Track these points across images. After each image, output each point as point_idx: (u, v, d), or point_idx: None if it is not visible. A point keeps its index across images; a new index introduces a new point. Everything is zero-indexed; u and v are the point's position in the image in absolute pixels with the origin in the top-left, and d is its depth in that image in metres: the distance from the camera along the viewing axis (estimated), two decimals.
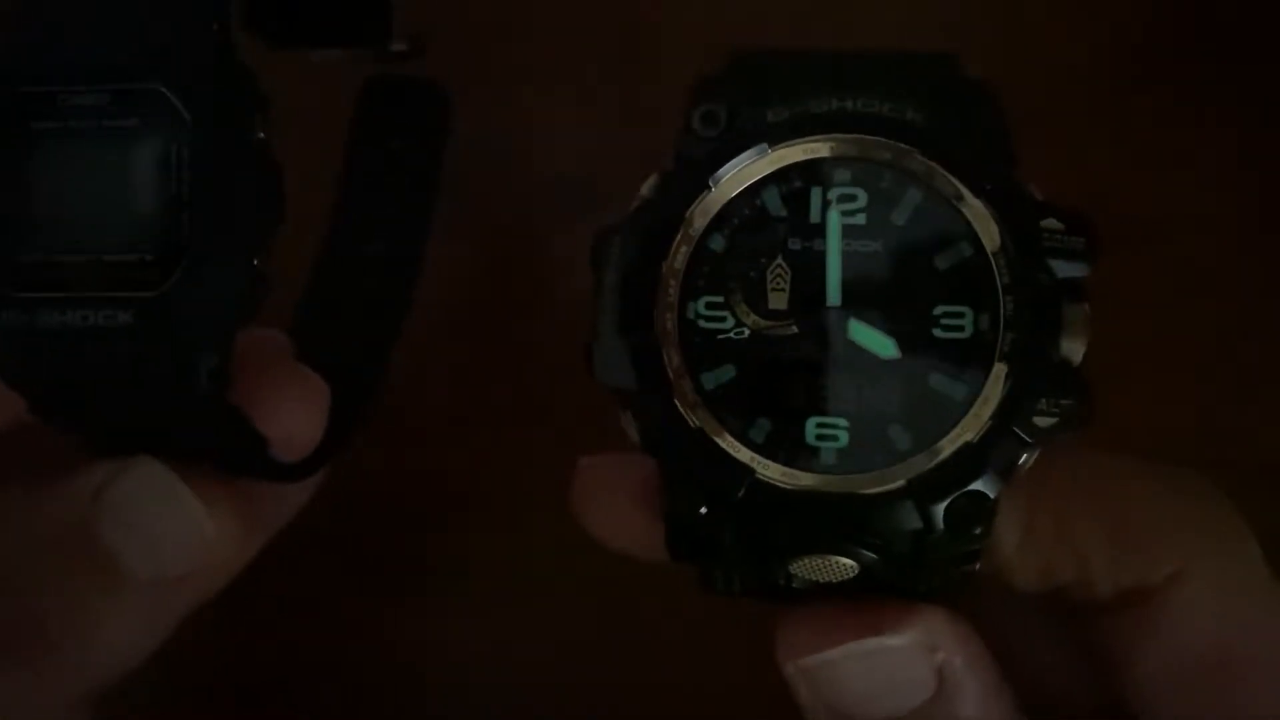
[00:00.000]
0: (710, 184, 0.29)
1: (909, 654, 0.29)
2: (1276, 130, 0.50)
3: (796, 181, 0.29)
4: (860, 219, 0.29)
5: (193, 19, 0.30)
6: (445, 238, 0.52)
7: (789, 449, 0.29)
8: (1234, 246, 0.50)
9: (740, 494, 0.28)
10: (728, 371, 0.29)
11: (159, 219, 0.30)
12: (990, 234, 0.28)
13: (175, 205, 0.29)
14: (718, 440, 0.29)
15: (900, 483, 0.28)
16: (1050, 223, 0.28)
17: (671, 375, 0.29)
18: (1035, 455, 0.28)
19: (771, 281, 0.29)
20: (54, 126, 0.30)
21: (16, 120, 0.30)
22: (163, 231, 0.30)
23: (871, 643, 0.29)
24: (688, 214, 0.29)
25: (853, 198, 0.29)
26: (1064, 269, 0.28)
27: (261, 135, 0.30)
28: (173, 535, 0.31)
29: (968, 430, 0.28)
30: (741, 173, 0.29)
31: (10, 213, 0.30)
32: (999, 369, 0.28)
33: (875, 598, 0.29)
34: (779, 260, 0.29)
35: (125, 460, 0.31)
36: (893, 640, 0.29)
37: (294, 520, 0.50)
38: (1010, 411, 0.28)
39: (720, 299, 0.29)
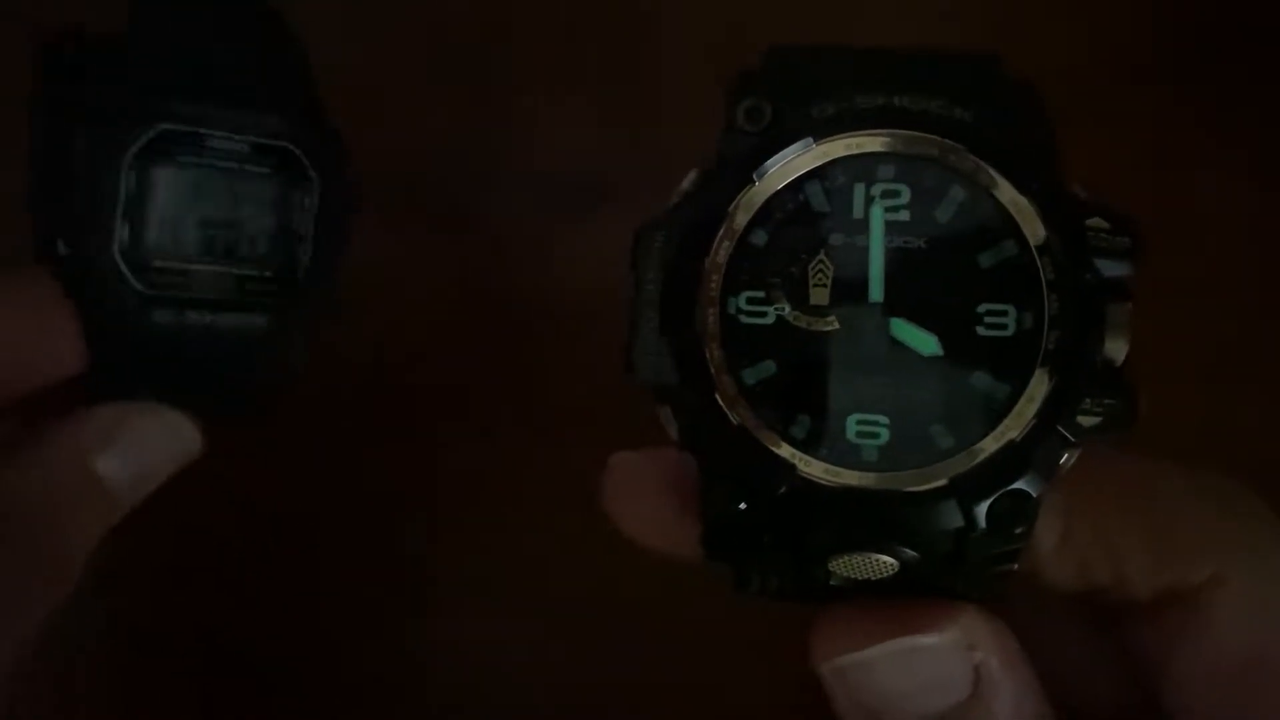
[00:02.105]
0: (755, 178, 0.29)
1: (947, 654, 0.29)
2: (1277, 130, 0.51)
3: (840, 177, 0.29)
4: (904, 215, 0.29)
5: (314, 97, 0.40)
6: (447, 238, 0.52)
7: (830, 446, 0.28)
8: (1235, 246, 0.51)
9: (782, 491, 0.28)
10: (769, 367, 0.29)
11: (281, 246, 0.39)
12: (1035, 231, 0.28)
13: (293, 237, 0.39)
14: (759, 437, 0.28)
15: (943, 481, 0.28)
16: (1096, 222, 0.28)
17: (713, 371, 0.29)
18: (1077, 455, 0.28)
19: (814, 277, 0.29)
20: (199, 162, 0.37)
21: (164, 149, 0.37)
22: (283, 256, 0.39)
23: (909, 642, 0.29)
24: (731, 208, 0.29)
25: (896, 194, 0.29)
26: (1109, 268, 0.28)
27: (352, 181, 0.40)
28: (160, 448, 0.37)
29: (1011, 429, 0.28)
30: (786, 167, 0.29)
31: (154, 223, 0.37)
32: (1043, 368, 0.28)
33: (913, 597, 0.29)
34: (821, 255, 0.29)
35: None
36: (931, 640, 0.29)
37: (298, 520, 0.50)
38: (1054, 411, 0.28)
39: (762, 294, 0.29)
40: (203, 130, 0.37)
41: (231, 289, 0.38)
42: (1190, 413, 0.49)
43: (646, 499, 0.30)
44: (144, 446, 0.36)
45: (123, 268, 0.36)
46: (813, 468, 0.28)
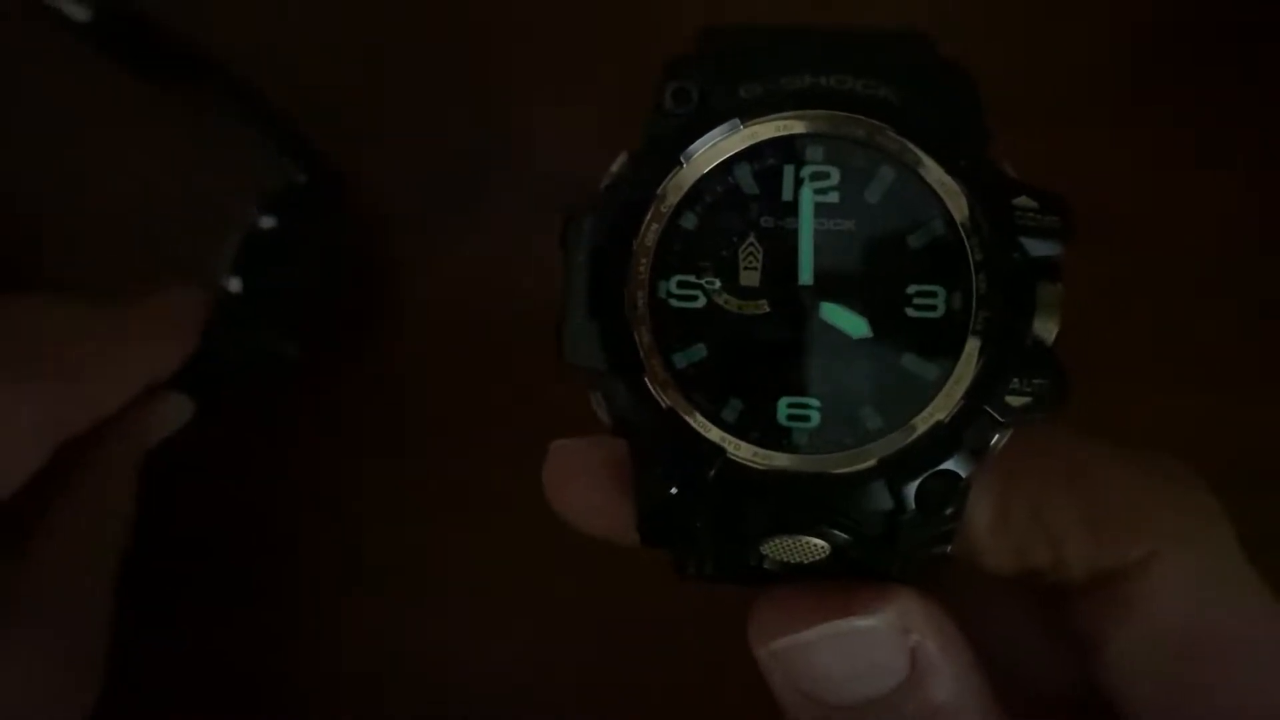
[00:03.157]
0: (682, 160, 0.29)
1: (882, 636, 0.29)
2: (1277, 130, 0.50)
3: (769, 159, 0.29)
4: (833, 197, 0.29)
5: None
6: (450, 238, 0.52)
7: (761, 429, 0.28)
8: (1235, 246, 0.50)
9: (712, 474, 0.28)
10: (699, 351, 0.29)
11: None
12: (962, 211, 0.28)
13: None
14: (689, 420, 0.28)
15: (872, 462, 0.28)
16: (1023, 201, 0.28)
17: (642, 354, 0.28)
18: (1008, 435, 0.28)
19: (744, 260, 0.29)
20: None
21: None
22: None
23: (844, 624, 0.28)
24: (659, 191, 0.29)
25: (826, 175, 0.29)
26: (1037, 247, 0.28)
27: None
28: None
29: (940, 410, 0.28)
30: (714, 149, 0.29)
31: None
32: (971, 348, 0.28)
33: (848, 579, 0.29)
34: (751, 238, 0.29)
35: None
36: (865, 622, 0.28)
37: (292, 519, 0.50)
38: (983, 391, 0.28)
39: (692, 277, 0.29)
40: None
41: None
42: (1190, 413, 0.48)
43: (586, 486, 0.30)
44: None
45: None
46: (743, 451, 0.28)
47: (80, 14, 0.49)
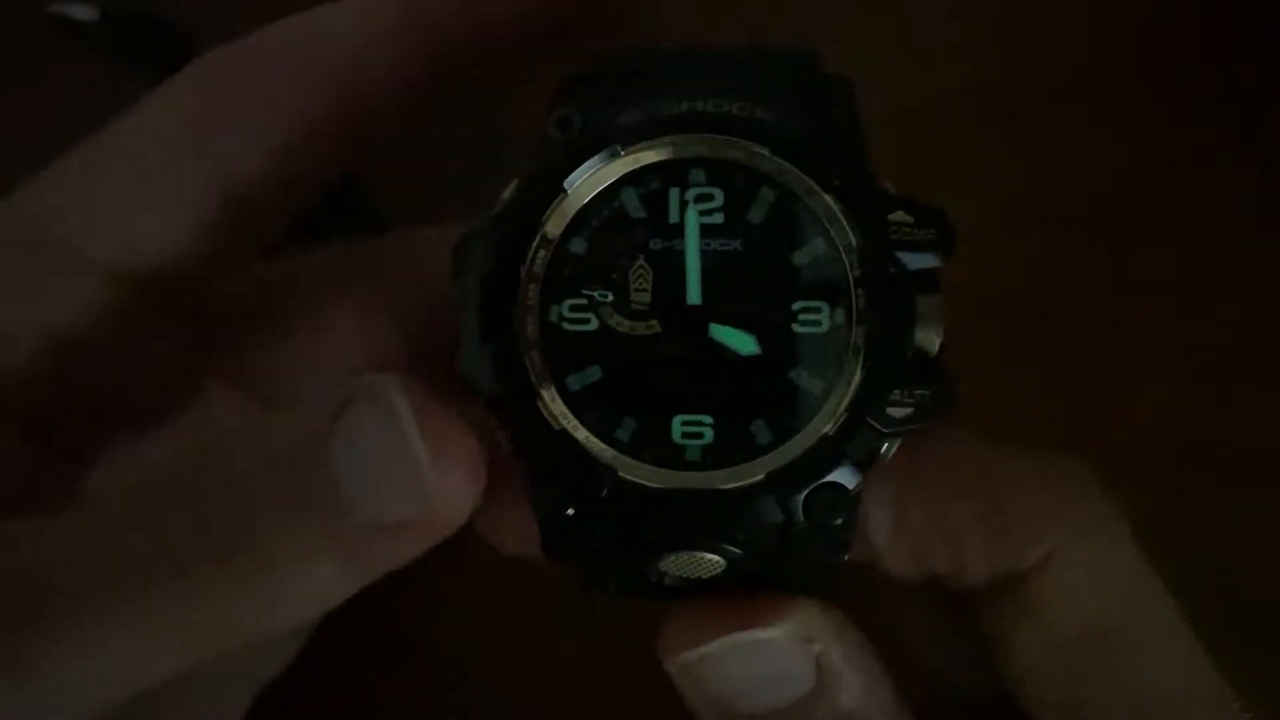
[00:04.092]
0: (565, 188, 0.29)
1: (785, 646, 0.29)
2: (1277, 130, 0.49)
3: (654, 182, 0.29)
4: (718, 218, 0.29)
5: None
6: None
7: (655, 447, 0.29)
8: (1235, 246, 0.50)
9: (604, 494, 0.28)
10: (594, 373, 0.29)
11: None
12: (839, 228, 0.29)
13: None
14: (579, 440, 0.29)
15: (759, 477, 0.28)
16: (899, 215, 0.28)
17: (534, 379, 0.29)
18: (896, 445, 0.28)
19: (634, 282, 0.29)
20: None
21: None
22: None
23: (745, 636, 0.29)
24: (543, 218, 0.29)
25: (710, 197, 0.29)
26: (915, 260, 0.28)
27: None
28: (396, 473, 0.28)
29: (825, 422, 0.28)
30: (596, 175, 0.29)
31: None
32: (853, 361, 0.28)
33: (750, 592, 0.29)
34: (640, 261, 0.29)
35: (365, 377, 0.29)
36: (767, 633, 0.29)
37: None
38: (865, 403, 0.28)
39: (584, 301, 0.29)
40: None
41: None
42: (1190, 413, 0.48)
43: (498, 506, 0.30)
44: None
45: None
46: (635, 471, 0.29)
47: (86, 14, 0.50)
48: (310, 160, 0.32)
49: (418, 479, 0.27)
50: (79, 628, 0.27)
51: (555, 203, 0.29)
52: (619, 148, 0.29)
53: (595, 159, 0.29)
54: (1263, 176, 0.49)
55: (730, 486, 0.28)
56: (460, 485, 0.28)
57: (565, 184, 0.29)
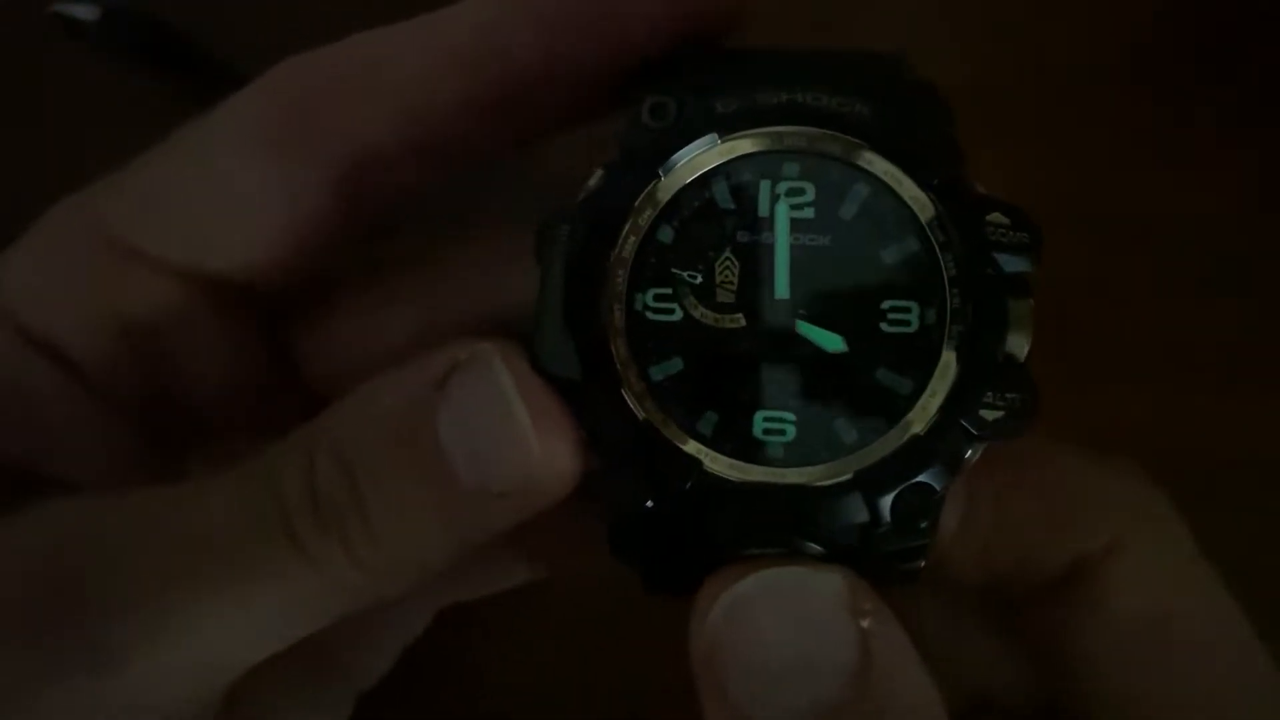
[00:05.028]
0: (660, 173, 0.29)
1: (830, 607, 0.26)
2: (1276, 129, 0.50)
3: (745, 174, 0.29)
4: (809, 212, 0.29)
5: None
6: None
7: (736, 442, 0.28)
8: (1235, 246, 0.50)
9: (688, 486, 0.28)
10: (675, 364, 0.29)
11: None
12: (938, 228, 0.28)
13: None
14: (665, 432, 0.28)
15: (847, 476, 0.28)
16: (996, 217, 0.28)
17: (619, 367, 0.29)
18: (980, 450, 0.28)
19: (720, 274, 0.29)
20: None
21: None
22: None
23: (790, 572, 0.26)
24: (636, 204, 0.29)
25: (801, 191, 0.29)
26: (1010, 263, 0.28)
27: None
28: (501, 441, 0.27)
29: (915, 423, 0.28)
30: (691, 163, 0.29)
31: None
32: (947, 361, 0.28)
33: None
34: (727, 253, 0.29)
35: (467, 346, 0.28)
36: (812, 580, 0.26)
37: None
38: (958, 404, 0.28)
39: (668, 290, 0.29)
40: None
41: None
42: (1190, 412, 0.48)
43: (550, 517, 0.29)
44: None
45: None
46: (718, 464, 0.28)
47: (87, 14, 0.49)
48: (376, 186, 0.33)
49: (524, 447, 0.27)
50: (187, 602, 0.27)
51: (648, 188, 0.29)
52: (717, 135, 0.29)
53: (693, 145, 0.29)
54: (1263, 176, 0.50)
55: (818, 484, 0.28)
56: (564, 455, 0.28)
57: (660, 170, 0.29)
